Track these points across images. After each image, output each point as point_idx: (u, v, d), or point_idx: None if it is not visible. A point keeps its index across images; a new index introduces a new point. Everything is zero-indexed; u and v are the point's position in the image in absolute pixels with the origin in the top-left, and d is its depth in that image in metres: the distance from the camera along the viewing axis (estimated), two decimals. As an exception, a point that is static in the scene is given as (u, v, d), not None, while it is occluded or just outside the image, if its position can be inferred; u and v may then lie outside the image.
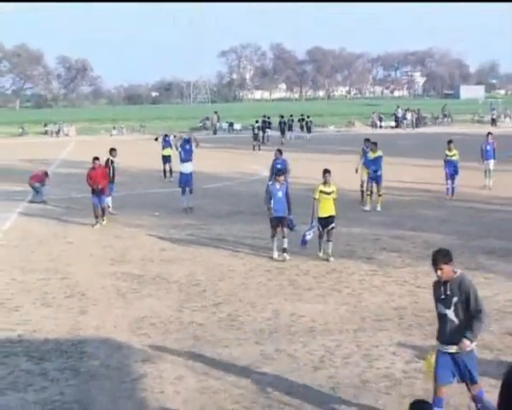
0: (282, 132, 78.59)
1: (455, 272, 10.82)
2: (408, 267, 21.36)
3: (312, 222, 22.66)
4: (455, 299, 10.55)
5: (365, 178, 32.76)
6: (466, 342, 10.48)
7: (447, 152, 35.13)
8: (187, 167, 33.05)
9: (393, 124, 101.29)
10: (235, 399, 12.86)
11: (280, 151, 31.75)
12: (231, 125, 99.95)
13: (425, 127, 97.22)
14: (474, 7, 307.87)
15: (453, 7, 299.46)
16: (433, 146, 37.43)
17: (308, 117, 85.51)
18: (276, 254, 22.54)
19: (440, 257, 10.86)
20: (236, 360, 14.73)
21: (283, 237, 22.47)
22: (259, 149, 66.11)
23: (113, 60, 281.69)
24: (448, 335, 10.79)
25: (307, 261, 22.35)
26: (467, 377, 10.69)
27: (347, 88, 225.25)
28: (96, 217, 28.80)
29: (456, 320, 10.63)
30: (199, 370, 14.27)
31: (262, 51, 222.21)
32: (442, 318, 10.97)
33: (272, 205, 22.46)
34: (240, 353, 15.15)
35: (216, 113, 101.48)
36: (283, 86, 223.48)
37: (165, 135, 47.97)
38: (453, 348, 10.64)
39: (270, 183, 24.27)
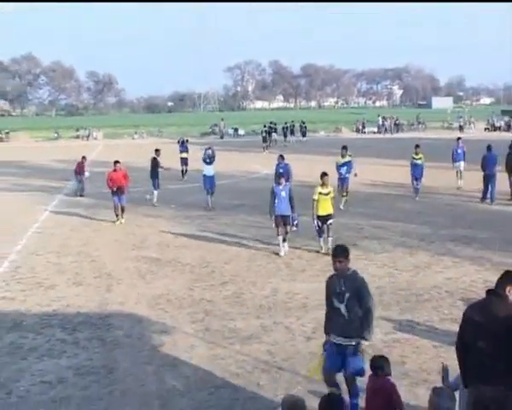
0: (285, 136, 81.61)
1: (348, 269, 10.23)
2: (386, 253, 21.46)
3: (314, 221, 21.46)
4: (347, 295, 9.98)
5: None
6: (365, 343, 10.24)
7: (414, 155, 33.65)
8: (209, 170, 32.25)
9: (375, 130, 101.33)
10: (240, 364, 12.97)
11: (282, 156, 30.58)
12: (236, 130, 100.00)
13: (402, 133, 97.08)
14: (446, 28, 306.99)
15: (427, 27, 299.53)
16: (409, 149, 37.33)
17: (304, 123, 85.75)
18: (282, 252, 21.39)
19: (341, 251, 10.25)
20: (240, 332, 14.82)
21: (286, 233, 21.65)
22: (268, 150, 66.19)
23: (135, 74, 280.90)
24: (339, 327, 10.16)
25: (300, 247, 22.44)
26: (350, 369, 10.13)
27: (335, 99, 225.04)
28: (117, 215, 27.87)
29: (346, 315, 10.04)
30: (208, 340, 14.38)
31: (262, 67, 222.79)
32: (335, 311, 10.26)
33: (276, 204, 21.30)
34: (243, 325, 15.24)
35: (223, 120, 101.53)
36: (280, 97, 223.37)
37: (183, 141, 47.62)
38: (341, 340, 10.07)
39: (274, 185, 22.85)
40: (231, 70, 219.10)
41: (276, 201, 21.29)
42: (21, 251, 22.93)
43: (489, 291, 8.19)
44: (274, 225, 21.64)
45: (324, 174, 21.26)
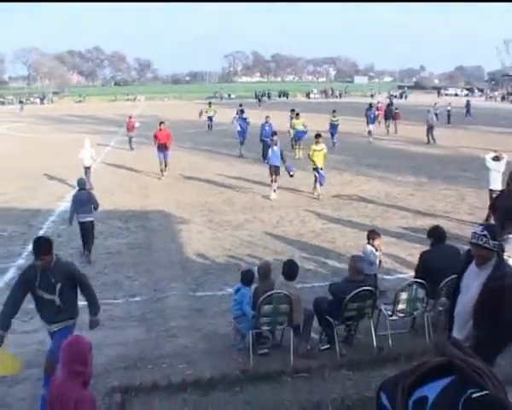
0: (260, 98, 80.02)
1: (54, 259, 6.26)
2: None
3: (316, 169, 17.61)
4: (59, 285, 6.20)
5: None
6: (98, 320, 6.91)
7: (332, 118, 29.56)
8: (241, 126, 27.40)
9: (319, 96, 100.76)
10: (231, 243, 12.99)
11: (268, 116, 26.29)
12: (229, 95, 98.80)
13: (336, 98, 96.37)
14: (363, 28, 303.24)
15: (353, 27, 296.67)
16: (339, 108, 36.99)
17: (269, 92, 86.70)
18: (272, 197, 17.49)
19: (43, 248, 6.17)
20: (231, 222, 14.81)
21: (275, 182, 17.65)
22: (260, 106, 66.83)
23: (165, 58, 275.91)
24: (53, 316, 6.40)
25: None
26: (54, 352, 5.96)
27: (293, 76, 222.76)
28: (161, 170, 21.18)
29: (61, 303, 6.29)
30: (211, 227, 14.37)
31: (246, 55, 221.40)
32: (46, 302, 6.30)
33: (270, 156, 17.75)
34: (233, 218, 15.22)
35: (222, 89, 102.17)
36: (258, 74, 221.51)
37: (209, 103, 40.42)
38: (56, 327, 6.39)
39: (269, 139, 20.29)
40: (227, 57, 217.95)
41: (270, 154, 17.80)
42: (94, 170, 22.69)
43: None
44: (269, 173, 17.90)
45: (318, 135, 17.94)
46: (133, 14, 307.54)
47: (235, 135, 28.63)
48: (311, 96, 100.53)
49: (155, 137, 21.66)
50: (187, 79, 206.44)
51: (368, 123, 33.07)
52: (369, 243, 9.05)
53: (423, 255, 8.05)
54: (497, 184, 13.92)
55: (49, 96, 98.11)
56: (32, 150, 30.08)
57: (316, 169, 17.56)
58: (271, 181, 17.77)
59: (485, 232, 4.97)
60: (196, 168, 23.21)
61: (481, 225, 5.63)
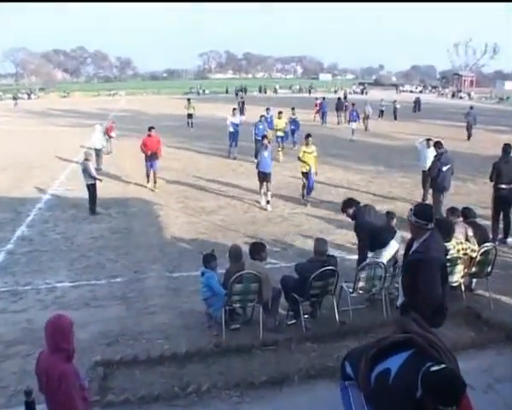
0: (238, 93, 77.22)
1: None
2: (291, 163, 21.04)
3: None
4: None
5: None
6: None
7: (291, 115, 26.17)
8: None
9: (287, 91, 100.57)
10: (205, 227, 12.94)
11: (262, 115, 23.37)
12: (204, 91, 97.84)
13: (300, 93, 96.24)
14: (329, 28, 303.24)
15: (319, 27, 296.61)
16: (302, 104, 37.04)
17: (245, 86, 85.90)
18: (263, 203, 14.80)
19: None
20: (206, 208, 14.73)
21: (268, 191, 14.72)
22: (240, 100, 64.99)
23: (144, 57, 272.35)
24: None
25: (243, 164, 22.23)
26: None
27: (263, 73, 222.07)
28: (148, 179, 17.31)
29: None
30: (187, 213, 14.29)
31: (220, 54, 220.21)
32: None
33: (259, 161, 14.61)
34: (208, 204, 15.13)
35: (200, 86, 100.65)
36: (231, 71, 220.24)
37: (188, 100, 36.23)
38: None
39: (259, 145, 17.26)
40: (202, 55, 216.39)
41: (260, 159, 14.70)
42: (77, 163, 22.25)
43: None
44: (258, 180, 14.97)
45: (308, 136, 15.21)
46: (115, 14, 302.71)
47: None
48: (279, 91, 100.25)
49: (144, 145, 17.11)
50: (164, 75, 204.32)
51: (349, 121, 30.73)
52: None
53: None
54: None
55: (36, 92, 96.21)
56: (21, 142, 29.42)
57: (305, 173, 14.87)
58: (261, 191, 14.92)
59: (412, 208, 5.22)
60: (175, 158, 22.96)
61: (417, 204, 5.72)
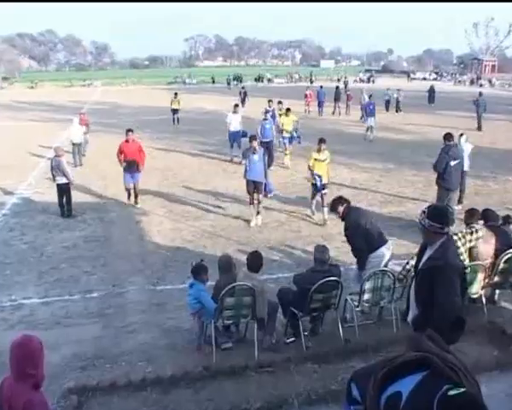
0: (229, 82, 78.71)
1: None
2: (291, 161, 21.24)
3: (314, 177, 13.72)
4: None
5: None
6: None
7: (279, 111, 23.38)
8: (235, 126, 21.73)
9: (284, 81, 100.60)
10: (192, 233, 12.98)
11: (267, 111, 21.89)
12: (192, 81, 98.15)
13: (300, 82, 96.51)
14: (330, 17, 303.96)
15: (319, 13, 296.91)
16: (301, 93, 37.14)
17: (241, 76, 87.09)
18: (253, 223, 13.55)
19: None
20: (192, 212, 14.76)
21: (258, 203, 13.63)
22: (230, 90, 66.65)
23: (123, 42, 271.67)
24: None
25: (235, 163, 22.21)
26: None
27: (257, 60, 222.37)
28: (129, 195, 15.66)
29: None
30: (172, 218, 14.32)
31: (208, 38, 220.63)
32: None
33: (248, 169, 13.34)
34: (195, 208, 15.13)
35: (189, 74, 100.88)
36: (220, 59, 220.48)
37: (175, 93, 34.48)
38: None
39: (246, 148, 14.36)
40: (188, 40, 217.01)
41: (248, 166, 13.38)
42: (47, 162, 22.18)
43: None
44: (247, 190, 13.69)
45: (322, 141, 13.79)
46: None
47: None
48: (276, 80, 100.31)
49: (121, 152, 15.36)
50: (146, 63, 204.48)
51: (365, 116, 28.74)
52: None
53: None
54: (465, 165, 14.36)
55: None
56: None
57: (316, 185, 13.72)
58: (251, 202, 13.63)
59: (425, 210, 5.09)
60: (157, 156, 22.96)
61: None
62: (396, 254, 10.43)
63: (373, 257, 8.26)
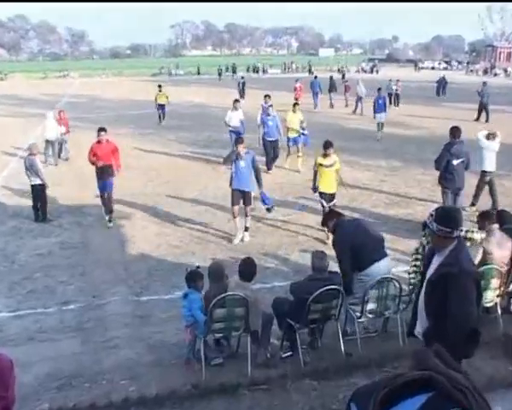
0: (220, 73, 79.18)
1: None
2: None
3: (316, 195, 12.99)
4: None
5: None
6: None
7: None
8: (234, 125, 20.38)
9: (279, 71, 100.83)
10: (179, 238, 13.02)
11: (270, 105, 21.17)
12: (176, 72, 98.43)
13: (297, 73, 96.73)
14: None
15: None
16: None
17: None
18: (236, 240, 12.60)
19: None
20: (179, 215, 14.75)
21: (246, 216, 12.72)
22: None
23: (102, 29, 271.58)
24: None
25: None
26: None
27: (250, 49, 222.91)
28: (105, 205, 14.27)
29: None
30: (156, 222, 14.34)
31: (196, 25, 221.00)
32: None
33: (234, 176, 12.41)
34: (179, 212, 15.09)
35: (175, 65, 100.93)
36: (210, 48, 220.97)
37: (159, 86, 33.20)
38: None
39: (230, 152, 13.70)
40: (173, 27, 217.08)
41: (234, 173, 12.45)
42: (18, 161, 22.15)
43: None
44: (231, 202, 12.68)
45: (328, 144, 12.48)
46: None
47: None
48: (270, 71, 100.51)
49: (93, 154, 13.81)
50: (128, 52, 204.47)
51: (375, 112, 27.19)
52: None
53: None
54: (491, 165, 14.26)
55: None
56: None
57: (323, 195, 12.66)
58: (234, 215, 12.70)
59: (432, 213, 5.10)
60: (139, 154, 22.94)
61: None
62: (403, 260, 10.52)
63: (364, 275, 7.96)
